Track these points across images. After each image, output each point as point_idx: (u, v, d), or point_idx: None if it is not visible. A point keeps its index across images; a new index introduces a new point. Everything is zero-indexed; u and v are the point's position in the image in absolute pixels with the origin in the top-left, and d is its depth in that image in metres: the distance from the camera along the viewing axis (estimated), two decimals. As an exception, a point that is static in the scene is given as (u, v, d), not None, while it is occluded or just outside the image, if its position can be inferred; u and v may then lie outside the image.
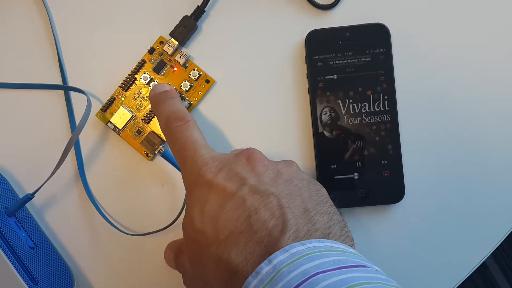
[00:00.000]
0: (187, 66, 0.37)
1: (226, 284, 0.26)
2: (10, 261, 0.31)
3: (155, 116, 0.37)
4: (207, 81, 0.37)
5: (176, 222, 0.36)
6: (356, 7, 0.37)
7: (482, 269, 0.81)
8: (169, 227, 0.36)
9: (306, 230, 0.26)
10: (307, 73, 0.36)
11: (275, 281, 0.24)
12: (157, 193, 0.37)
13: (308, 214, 0.27)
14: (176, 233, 0.37)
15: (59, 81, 0.37)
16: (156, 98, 0.34)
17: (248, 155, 0.30)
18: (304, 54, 0.37)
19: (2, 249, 0.31)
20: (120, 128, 0.36)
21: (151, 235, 0.36)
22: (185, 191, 0.35)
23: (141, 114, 0.37)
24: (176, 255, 0.33)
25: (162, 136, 0.36)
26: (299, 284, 0.23)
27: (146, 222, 0.37)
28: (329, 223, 0.28)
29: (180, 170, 0.35)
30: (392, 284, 0.24)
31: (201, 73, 0.37)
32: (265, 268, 0.24)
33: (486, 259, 0.36)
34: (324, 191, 0.31)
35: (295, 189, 0.29)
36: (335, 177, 0.36)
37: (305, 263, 0.24)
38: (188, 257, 0.30)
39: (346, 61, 0.36)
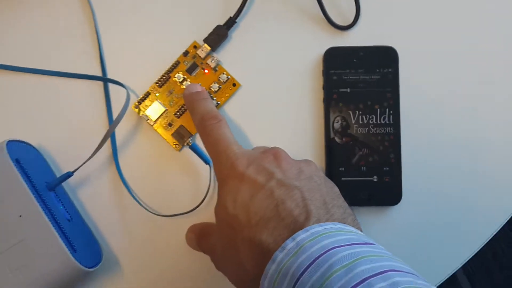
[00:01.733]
0: (216, 70, 0.41)
1: (258, 262, 0.30)
2: (55, 229, 0.35)
3: (185, 112, 0.41)
4: (234, 85, 0.41)
5: (198, 208, 0.40)
6: (370, 30, 0.42)
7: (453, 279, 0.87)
8: (190, 212, 0.40)
9: (325, 220, 0.31)
10: (323, 85, 0.41)
11: (299, 254, 0.28)
12: (182, 180, 0.41)
13: (326, 207, 0.32)
14: (196, 218, 0.40)
15: (99, 73, 0.41)
16: (191, 97, 0.38)
17: (275, 153, 0.35)
18: (321, 68, 0.41)
19: (49, 219, 0.35)
20: (154, 120, 0.40)
21: (174, 218, 0.40)
22: (208, 182, 0.40)
23: (173, 109, 0.41)
24: (200, 237, 0.37)
25: (191, 130, 0.40)
26: (320, 256, 0.27)
27: (169, 206, 0.41)
28: (343, 215, 0.32)
29: (206, 163, 0.40)
30: (397, 258, 0.28)
31: (229, 77, 0.41)
32: (289, 244, 0.29)
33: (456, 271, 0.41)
34: (336, 188, 0.35)
35: (315, 185, 0.33)
36: (342, 178, 0.40)
37: (323, 240, 0.28)
38: (220, 239, 0.34)
39: (358, 77, 0.41)
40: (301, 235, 0.29)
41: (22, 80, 0.41)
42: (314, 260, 0.27)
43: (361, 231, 0.33)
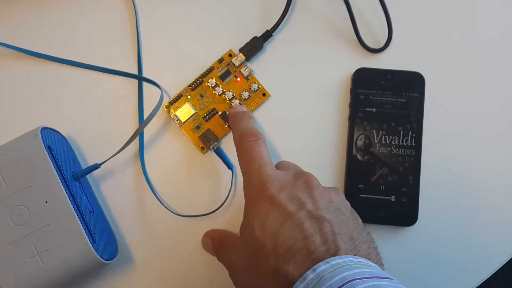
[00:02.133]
0: (248, 79, 0.42)
1: None
2: (78, 218, 0.35)
3: (214, 116, 0.42)
4: (264, 95, 0.42)
5: (217, 211, 0.41)
6: (400, 54, 0.43)
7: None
8: (209, 215, 0.41)
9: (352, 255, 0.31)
10: (350, 103, 0.42)
11: (319, 285, 0.28)
12: (204, 183, 0.41)
13: (353, 242, 0.32)
14: (214, 221, 0.41)
15: (135, 71, 0.42)
16: (235, 115, 0.39)
17: (307, 180, 0.34)
18: (350, 87, 0.42)
19: (73, 207, 0.35)
20: (183, 121, 0.41)
21: (192, 219, 0.41)
22: (229, 186, 0.40)
23: (203, 113, 0.42)
24: (219, 246, 0.37)
25: (218, 134, 0.41)
26: (340, 287, 0.27)
27: (189, 207, 0.41)
28: (368, 250, 0.32)
29: (229, 168, 0.40)
30: None
31: (260, 86, 0.42)
32: (310, 275, 0.29)
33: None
34: (360, 220, 0.35)
35: (343, 218, 0.33)
36: (361, 195, 0.41)
37: (343, 272, 0.28)
38: (244, 260, 0.34)
39: (385, 99, 0.42)
40: (321, 267, 0.29)
41: (59, 70, 0.42)
42: None
43: (382, 265, 0.33)
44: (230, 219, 0.41)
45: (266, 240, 0.32)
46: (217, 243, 0.38)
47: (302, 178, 0.34)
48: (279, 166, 0.37)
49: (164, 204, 0.41)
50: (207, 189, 0.41)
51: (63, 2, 0.43)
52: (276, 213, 0.32)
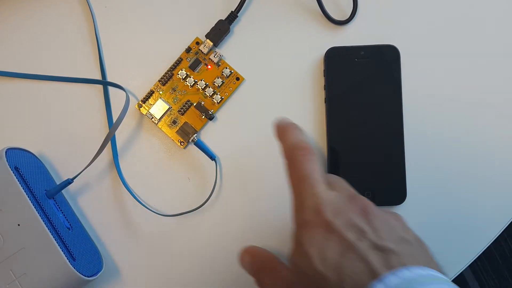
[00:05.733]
0: (219, 65, 0.41)
1: None
2: (54, 237, 0.34)
3: (189, 108, 0.40)
4: (237, 79, 0.41)
5: (205, 205, 0.39)
6: (366, 25, 0.42)
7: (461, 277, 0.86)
8: (196, 210, 0.39)
9: None
10: (324, 85, 0.40)
11: None
12: (187, 178, 0.40)
13: None
14: (204, 215, 0.40)
15: (99, 77, 0.41)
16: (282, 125, 0.35)
17: (363, 207, 0.31)
18: (323, 68, 0.41)
19: (47, 227, 0.34)
20: (158, 118, 0.40)
21: (180, 218, 0.39)
22: (214, 179, 0.39)
23: (177, 106, 0.40)
24: (259, 270, 0.34)
25: (196, 126, 0.40)
26: None
27: (175, 205, 0.40)
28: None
29: (211, 159, 0.39)
30: None
31: (232, 71, 0.41)
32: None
33: (463, 271, 0.40)
34: (426, 247, 0.32)
35: (411, 248, 0.30)
36: (345, 178, 0.40)
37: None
38: None
39: (360, 76, 0.40)
40: (392, 280, 0.27)
41: (21, 86, 0.41)
42: None
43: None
44: (218, 212, 0.40)
45: (328, 272, 0.29)
46: (258, 266, 0.35)
47: (356, 202, 0.32)
48: (330, 182, 0.34)
49: (146, 206, 0.39)
50: (192, 184, 0.40)
51: (16, 14, 0.42)
52: (335, 242, 0.30)
